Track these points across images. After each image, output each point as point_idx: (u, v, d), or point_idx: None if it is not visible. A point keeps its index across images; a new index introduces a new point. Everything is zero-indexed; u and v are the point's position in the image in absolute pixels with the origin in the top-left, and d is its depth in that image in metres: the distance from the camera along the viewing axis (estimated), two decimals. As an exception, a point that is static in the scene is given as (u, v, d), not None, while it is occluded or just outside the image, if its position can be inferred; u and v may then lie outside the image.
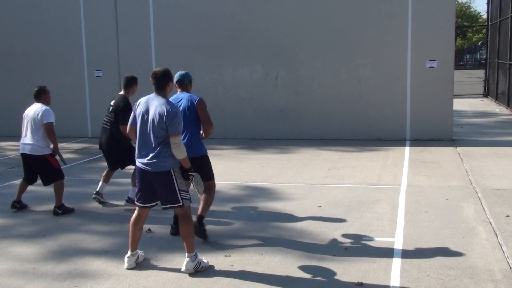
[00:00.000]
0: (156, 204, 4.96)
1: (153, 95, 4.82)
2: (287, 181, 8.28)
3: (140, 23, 13.29)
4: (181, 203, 4.77)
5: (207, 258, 5.10)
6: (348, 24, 12.09)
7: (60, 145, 12.70)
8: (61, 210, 6.77)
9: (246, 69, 12.82)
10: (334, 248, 5.30)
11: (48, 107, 6.82)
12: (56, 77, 14.04)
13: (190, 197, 4.87)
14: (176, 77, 5.61)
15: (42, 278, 4.75)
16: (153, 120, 4.66)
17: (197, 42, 12.97)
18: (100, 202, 7.25)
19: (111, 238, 5.82)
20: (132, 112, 4.92)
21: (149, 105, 4.74)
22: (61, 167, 6.98)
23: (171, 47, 13.16)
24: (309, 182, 8.21)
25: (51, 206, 7.15)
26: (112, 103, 7.09)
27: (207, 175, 5.63)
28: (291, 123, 12.57)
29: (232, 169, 9.32)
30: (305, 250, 5.27)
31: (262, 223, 6.17)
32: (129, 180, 8.51)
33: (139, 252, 5.05)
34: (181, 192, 4.76)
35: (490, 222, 6.00)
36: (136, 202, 4.95)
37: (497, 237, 5.51)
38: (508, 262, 4.83)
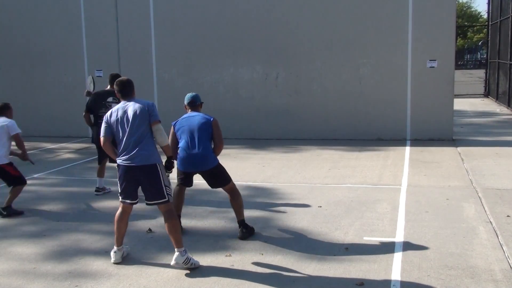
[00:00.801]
0: (138, 201, 5.09)
1: (121, 103, 5.00)
2: (288, 181, 8.28)
3: (140, 23, 13.29)
4: (166, 199, 4.88)
5: (208, 258, 5.11)
6: (349, 24, 12.09)
7: (60, 145, 12.73)
8: (6, 212, 6.80)
9: (247, 69, 12.81)
10: (334, 248, 5.30)
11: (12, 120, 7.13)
12: (56, 77, 14.05)
13: (171, 194, 5.02)
14: (187, 98, 5.89)
15: (43, 278, 4.75)
16: (134, 117, 4.83)
17: (198, 42, 12.97)
18: (105, 193, 7.72)
19: (111, 238, 5.79)
20: (104, 123, 5.01)
21: (124, 109, 4.91)
22: (21, 174, 7.09)
23: (171, 47, 13.16)
24: (309, 182, 8.21)
25: (51, 206, 7.16)
26: (111, 99, 7.52)
27: (225, 180, 5.74)
28: (292, 123, 12.57)
29: (232, 169, 9.26)
30: (305, 250, 5.27)
31: (263, 223, 6.17)
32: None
33: (125, 247, 5.18)
34: (166, 187, 4.89)
35: (490, 222, 6.00)
36: (120, 198, 5.06)
37: (497, 237, 5.50)
38: (508, 262, 4.83)
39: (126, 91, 5.02)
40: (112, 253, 5.07)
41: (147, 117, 4.84)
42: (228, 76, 12.93)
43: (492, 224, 5.90)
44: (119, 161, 4.93)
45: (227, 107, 12.77)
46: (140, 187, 4.97)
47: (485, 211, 6.42)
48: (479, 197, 7.06)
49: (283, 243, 5.50)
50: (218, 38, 12.85)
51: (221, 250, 5.33)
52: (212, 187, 5.85)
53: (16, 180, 6.97)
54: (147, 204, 4.99)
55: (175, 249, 4.83)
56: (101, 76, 13.71)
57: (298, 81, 12.52)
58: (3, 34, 14.42)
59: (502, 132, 12.74)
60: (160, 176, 4.86)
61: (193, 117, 5.70)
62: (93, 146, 12.28)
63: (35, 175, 9.11)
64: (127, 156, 4.84)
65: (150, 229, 6.00)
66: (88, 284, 4.60)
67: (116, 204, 7.15)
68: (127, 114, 4.87)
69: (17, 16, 14.24)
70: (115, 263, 5.02)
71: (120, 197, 5.06)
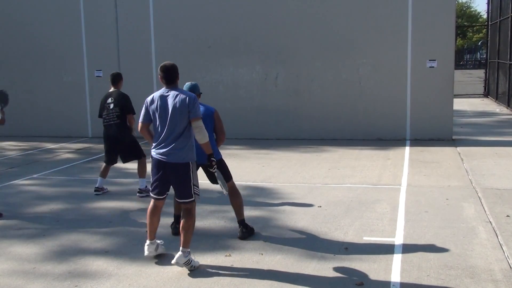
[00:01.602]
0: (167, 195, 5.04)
1: (163, 89, 4.87)
2: (287, 181, 8.28)
3: (140, 23, 13.29)
4: (192, 198, 4.83)
5: (208, 258, 5.11)
6: (348, 24, 12.09)
7: (60, 145, 12.74)
8: None
9: (246, 69, 12.82)
10: (334, 248, 5.30)
11: None
12: (56, 77, 14.05)
13: (199, 193, 4.94)
14: (185, 88, 5.71)
15: (42, 278, 4.75)
16: (173, 110, 4.71)
17: (197, 42, 12.97)
18: (103, 193, 7.72)
19: (111, 238, 5.82)
20: (144, 109, 4.94)
21: (165, 98, 4.80)
22: None
23: (171, 47, 13.15)
24: (309, 182, 8.21)
25: (51, 206, 7.16)
26: (110, 100, 7.53)
27: (226, 177, 5.67)
28: (291, 123, 12.57)
29: (232, 168, 9.20)
30: (305, 250, 5.27)
31: (262, 222, 6.17)
32: (129, 180, 8.52)
33: (158, 241, 5.14)
34: (194, 187, 4.83)
35: (490, 222, 6.00)
36: (151, 194, 5.02)
37: (497, 237, 5.51)
38: (508, 262, 4.83)
39: (169, 77, 4.85)
40: (145, 246, 5.05)
41: (186, 112, 4.70)
42: (228, 76, 12.93)
43: (491, 224, 5.90)
44: (153, 152, 4.87)
45: (226, 107, 12.76)
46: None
47: (485, 211, 6.43)
48: (479, 197, 7.06)
49: (283, 243, 5.50)
50: (218, 38, 12.85)
51: (221, 250, 5.33)
52: (212, 182, 5.84)
53: None
54: (177, 200, 4.97)
55: (180, 248, 4.80)
56: (100, 76, 13.73)
57: (298, 81, 12.52)
58: (3, 34, 14.41)
59: (501, 132, 12.75)
60: (190, 175, 4.78)
61: None
62: (93, 146, 12.34)
63: (35, 175, 9.11)
64: (162, 151, 4.76)
65: (150, 229, 6.00)
66: (88, 284, 4.60)
67: (115, 205, 7.18)
68: (167, 105, 4.74)
69: (17, 17, 14.23)
70: (147, 255, 5.01)
71: (151, 193, 5.03)
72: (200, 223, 6.25)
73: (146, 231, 5.17)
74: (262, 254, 5.20)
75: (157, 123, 4.83)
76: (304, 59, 12.41)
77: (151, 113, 4.86)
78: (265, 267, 4.86)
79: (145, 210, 6.91)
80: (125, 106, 7.45)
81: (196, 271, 4.82)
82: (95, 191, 7.73)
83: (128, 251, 5.39)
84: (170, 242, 5.58)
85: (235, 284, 4.52)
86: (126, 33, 13.44)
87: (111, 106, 7.45)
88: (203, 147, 4.85)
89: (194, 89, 5.71)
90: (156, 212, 5.07)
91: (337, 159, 9.92)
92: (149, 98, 4.92)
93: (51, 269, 4.96)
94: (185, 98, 4.74)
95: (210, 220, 6.37)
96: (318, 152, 10.72)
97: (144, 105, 4.95)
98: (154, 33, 13.25)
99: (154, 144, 4.88)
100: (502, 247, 5.20)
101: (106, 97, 7.63)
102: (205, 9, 12.85)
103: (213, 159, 4.96)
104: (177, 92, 4.81)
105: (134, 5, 13.32)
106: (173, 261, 4.77)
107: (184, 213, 4.87)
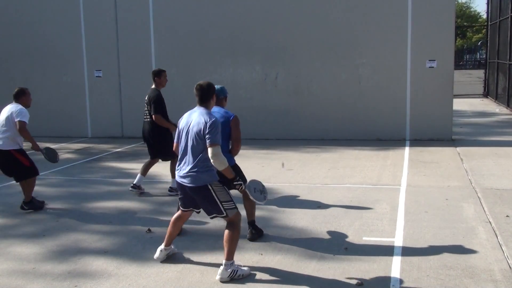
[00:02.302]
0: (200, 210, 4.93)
1: (196, 108, 4.78)
2: (287, 181, 8.28)
3: (140, 23, 13.29)
4: (224, 214, 4.66)
5: (208, 258, 5.11)
6: (348, 24, 12.09)
7: (60, 145, 12.74)
8: (28, 207, 6.89)
9: (246, 69, 12.82)
10: (334, 248, 5.31)
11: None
12: (56, 77, 14.05)
13: (235, 205, 4.72)
14: None
15: (42, 278, 4.75)
16: (191, 131, 4.61)
17: (197, 42, 12.97)
18: (140, 194, 7.63)
19: (111, 238, 5.82)
20: (177, 128, 4.88)
21: (190, 117, 4.71)
22: (33, 163, 7.04)
23: (171, 47, 13.16)
24: (309, 182, 8.21)
25: (51, 206, 7.16)
26: (146, 97, 7.51)
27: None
28: (291, 123, 12.57)
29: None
30: (305, 250, 5.27)
31: (262, 223, 6.16)
32: (129, 180, 8.52)
33: (173, 247, 5.11)
34: (223, 203, 4.64)
35: (490, 222, 6.00)
36: (179, 205, 5.00)
37: (497, 237, 5.51)
38: (508, 262, 4.83)
39: (202, 96, 4.73)
40: (158, 250, 5.02)
41: (202, 137, 4.52)
42: (227, 76, 12.93)
43: (491, 224, 5.91)
44: (176, 175, 4.78)
45: (226, 107, 12.74)
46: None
47: (485, 211, 6.43)
48: (478, 197, 7.06)
49: (283, 243, 5.50)
50: (217, 38, 12.85)
51: (221, 250, 5.30)
52: (228, 188, 5.79)
53: (26, 172, 6.88)
54: (210, 217, 4.84)
55: (223, 262, 4.62)
56: (100, 76, 13.73)
57: (298, 81, 12.52)
58: (3, 35, 14.41)
59: (501, 132, 12.76)
60: (213, 195, 4.60)
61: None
62: (93, 146, 12.35)
63: (35, 175, 9.10)
64: (181, 174, 4.67)
65: (149, 229, 6.00)
66: (88, 284, 4.60)
67: (115, 205, 7.19)
68: (190, 126, 4.65)
69: (17, 17, 14.23)
70: (156, 259, 4.99)
71: (179, 204, 4.99)
72: (200, 223, 6.25)
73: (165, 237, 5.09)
74: (262, 254, 5.20)
75: (180, 144, 4.76)
76: (304, 59, 12.42)
77: (178, 132, 4.80)
78: (265, 267, 4.86)
79: (145, 209, 6.94)
80: (152, 105, 7.34)
81: (196, 271, 4.82)
82: (168, 190, 7.68)
83: (128, 251, 5.39)
84: (174, 242, 5.58)
85: (234, 284, 4.52)
86: (126, 33, 13.44)
87: (146, 102, 7.46)
88: (224, 173, 4.63)
89: (219, 93, 5.57)
90: (179, 221, 5.04)
91: (337, 159, 9.92)
92: (182, 117, 4.82)
93: (51, 269, 4.96)
94: (203, 122, 4.55)
95: (210, 220, 6.36)
96: (318, 152, 10.72)
97: (178, 123, 4.88)
98: (154, 33, 13.25)
99: (177, 164, 4.77)
100: (501, 247, 5.20)
101: (148, 94, 7.59)
102: (205, 9, 12.85)
103: (237, 182, 4.78)
104: (200, 113, 4.65)
105: (134, 5, 13.32)
106: (217, 277, 4.60)
107: (227, 225, 4.73)
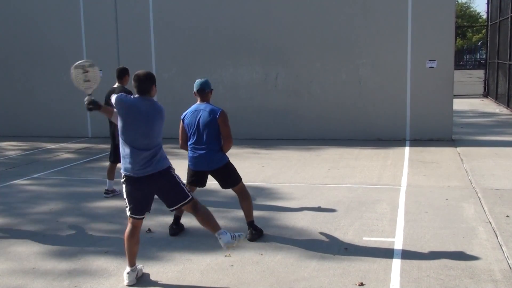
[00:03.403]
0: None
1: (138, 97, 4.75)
2: (287, 181, 8.28)
3: (140, 23, 13.29)
4: (190, 197, 4.65)
5: (208, 258, 5.11)
6: (348, 24, 12.09)
7: (59, 145, 12.74)
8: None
9: (246, 69, 12.82)
10: (334, 248, 5.31)
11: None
12: (56, 77, 14.04)
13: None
14: (196, 85, 5.54)
15: (42, 278, 4.75)
16: (147, 121, 4.66)
17: (197, 42, 12.97)
18: (113, 195, 7.56)
19: (111, 238, 5.82)
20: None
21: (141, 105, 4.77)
22: None
23: (171, 47, 13.16)
24: (309, 182, 8.21)
25: (51, 206, 7.16)
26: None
27: (234, 180, 5.64)
28: (291, 123, 12.57)
29: (232, 169, 9.30)
30: (305, 250, 5.27)
31: (262, 223, 6.16)
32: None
33: (138, 266, 4.71)
34: (184, 185, 4.70)
35: (490, 222, 6.00)
36: (129, 215, 4.58)
37: (497, 237, 5.51)
38: (508, 262, 4.83)
39: (142, 88, 4.72)
40: (125, 275, 4.56)
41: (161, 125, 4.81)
42: (227, 77, 12.93)
43: (491, 225, 5.91)
44: (132, 173, 4.56)
45: (226, 107, 12.59)
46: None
47: (485, 211, 6.43)
48: (479, 197, 7.06)
49: (283, 243, 5.50)
50: (217, 38, 12.85)
51: (221, 250, 5.31)
52: (222, 187, 5.77)
53: None
54: (171, 210, 4.83)
55: (215, 234, 4.68)
56: (100, 76, 13.71)
57: (298, 82, 12.52)
58: (3, 34, 14.41)
59: (501, 132, 12.75)
60: (175, 177, 4.67)
61: (200, 112, 5.46)
62: (93, 146, 12.35)
63: (35, 175, 9.11)
64: (139, 167, 4.56)
65: (149, 229, 6.00)
66: (88, 284, 4.60)
67: (115, 205, 7.18)
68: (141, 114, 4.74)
69: (17, 17, 14.22)
70: (129, 283, 4.52)
71: (129, 214, 4.64)
72: (200, 223, 6.25)
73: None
74: (262, 254, 5.20)
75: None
76: (304, 59, 12.41)
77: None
78: (265, 268, 4.86)
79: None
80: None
81: (196, 271, 4.82)
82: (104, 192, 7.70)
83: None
84: (170, 242, 5.59)
85: (234, 285, 4.52)
86: (126, 33, 13.44)
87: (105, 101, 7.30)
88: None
89: (204, 85, 5.53)
90: (134, 234, 4.63)
91: (337, 159, 9.92)
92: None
93: (51, 269, 4.96)
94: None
95: (210, 220, 6.36)
96: (318, 152, 10.72)
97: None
98: (154, 33, 13.24)
99: (128, 165, 4.56)
100: (501, 248, 5.20)
101: (109, 93, 7.45)
102: (205, 9, 12.85)
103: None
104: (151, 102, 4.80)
105: (134, 5, 13.31)
106: (222, 244, 4.64)
107: (194, 210, 4.69)
